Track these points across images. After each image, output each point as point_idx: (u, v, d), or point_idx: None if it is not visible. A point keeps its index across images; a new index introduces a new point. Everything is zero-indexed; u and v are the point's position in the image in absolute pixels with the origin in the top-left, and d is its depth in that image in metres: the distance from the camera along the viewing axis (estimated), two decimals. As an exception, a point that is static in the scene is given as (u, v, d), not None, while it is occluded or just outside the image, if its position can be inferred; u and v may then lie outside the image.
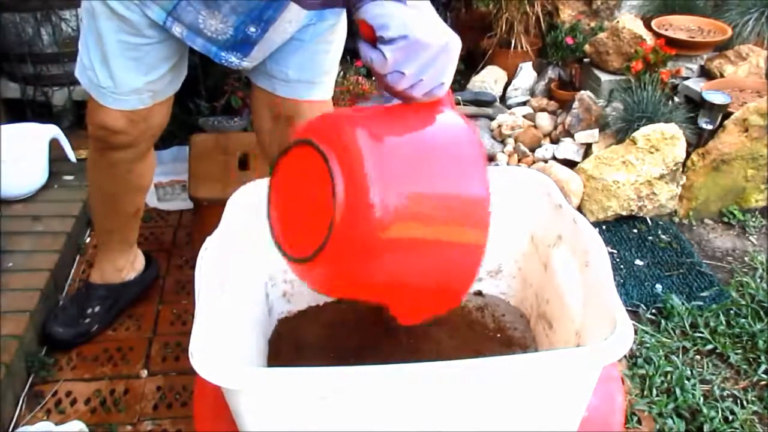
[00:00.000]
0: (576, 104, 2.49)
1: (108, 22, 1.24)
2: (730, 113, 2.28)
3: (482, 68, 2.99)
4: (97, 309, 1.68)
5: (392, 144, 0.79)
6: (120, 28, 1.24)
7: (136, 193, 1.59)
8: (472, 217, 0.80)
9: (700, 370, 1.70)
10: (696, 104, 2.38)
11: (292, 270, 0.84)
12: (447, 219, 0.79)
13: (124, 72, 1.29)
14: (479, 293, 1.26)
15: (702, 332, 1.79)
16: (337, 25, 1.36)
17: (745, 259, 2.13)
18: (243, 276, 1.05)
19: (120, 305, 1.74)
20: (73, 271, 1.90)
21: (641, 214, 2.26)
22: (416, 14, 0.82)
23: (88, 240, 2.02)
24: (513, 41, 2.94)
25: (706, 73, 2.57)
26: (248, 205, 1.12)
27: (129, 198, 1.58)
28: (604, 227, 2.24)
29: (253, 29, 1.24)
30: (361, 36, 0.83)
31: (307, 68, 1.38)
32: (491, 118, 2.73)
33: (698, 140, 2.32)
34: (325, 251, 0.76)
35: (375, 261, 0.76)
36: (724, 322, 1.82)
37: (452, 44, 0.83)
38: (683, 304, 1.87)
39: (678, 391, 1.61)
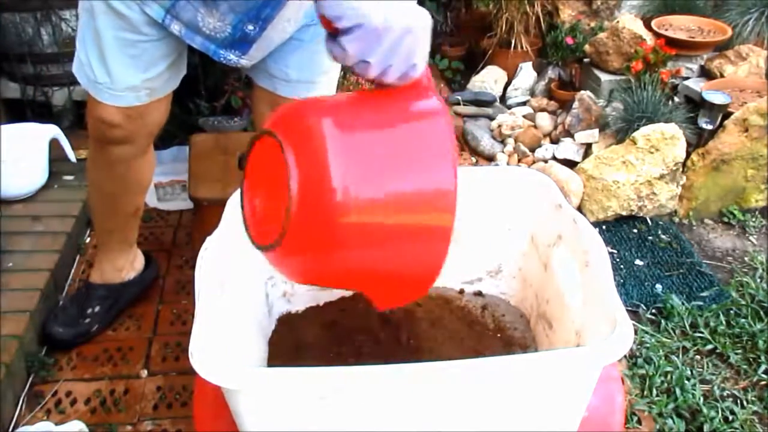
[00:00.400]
0: (576, 104, 2.49)
1: (106, 19, 1.24)
2: (730, 113, 2.28)
3: (482, 68, 2.99)
4: (97, 309, 1.68)
5: (356, 130, 0.77)
6: (118, 26, 1.24)
7: (136, 193, 1.59)
8: (438, 204, 0.78)
9: (700, 370, 1.70)
10: (696, 104, 2.38)
11: (267, 260, 0.84)
12: (411, 205, 0.77)
13: (121, 69, 1.29)
14: (479, 293, 1.26)
15: (702, 332, 1.79)
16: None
17: (745, 259, 2.13)
18: (243, 276, 1.05)
19: (120, 305, 1.74)
20: (73, 271, 1.90)
21: (641, 214, 2.26)
22: None
23: (88, 240, 2.02)
24: (513, 41, 2.94)
25: (706, 73, 2.57)
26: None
27: (128, 197, 1.58)
28: (604, 227, 2.24)
29: (251, 27, 1.24)
30: (326, 31, 0.81)
31: (307, 68, 1.38)
32: (491, 118, 2.73)
33: (698, 140, 2.32)
34: (287, 239, 0.75)
35: (337, 248, 0.75)
36: (724, 322, 1.82)
37: (417, 23, 0.78)
38: (683, 304, 1.87)
39: (678, 391, 1.61)
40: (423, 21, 0.80)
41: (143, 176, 1.56)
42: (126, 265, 1.72)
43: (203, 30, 1.24)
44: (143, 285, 1.79)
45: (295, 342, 1.15)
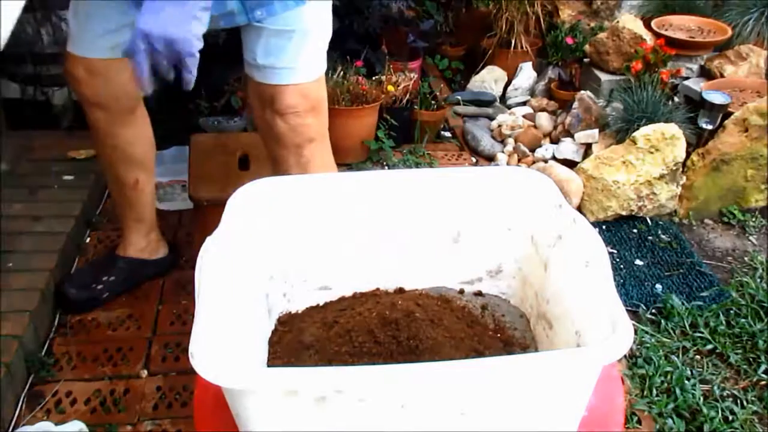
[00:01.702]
0: (576, 104, 2.49)
1: None
2: (730, 113, 2.28)
3: (482, 68, 2.99)
4: (112, 278, 1.77)
5: None
6: None
7: (130, 164, 1.66)
8: None
9: (700, 370, 1.70)
10: (696, 104, 2.38)
11: None
12: None
13: (87, 19, 1.40)
14: (479, 293, 1.26)
15: (702, 332, 1.79)
16: (296, 12, 1.35)
17: (745, 259, 2.13)
18: (243, 276, 1.05)
19: (134, 280, 1.81)
20: (73, 270, 1.90)
21: (641, 214, 2.26)
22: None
23: (88, 240, 2.02)
24: (513, 41, 2.94)
25: (706, 73, 2.57)
26: (248, 205, 1.12)
27: (123, 167, 1.65)
28: (604, 227, 2.24)
29: None
30: None
31: (273, 54, 1.40)
32: (491, 118, 2.73)
33: (698, 140, 2.32)
34: None
35: None
36: (724, 322, 1.82)
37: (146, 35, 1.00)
38: (683, 304, 1.87)
39: (678, 391, 1.61)
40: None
41: (132, 149, 1.63)
42: (147, 247, 1.81)
43: None
44: (161, 268, 1.86)
45: (295, 342, 1.15)
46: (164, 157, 2.21)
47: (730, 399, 1.62)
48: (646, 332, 1.79)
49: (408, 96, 2.55)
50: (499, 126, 2.63)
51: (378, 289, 1.24)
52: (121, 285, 1.79)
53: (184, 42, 1.03)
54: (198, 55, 1.06)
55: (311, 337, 1.14)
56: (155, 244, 1.84)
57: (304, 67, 1.44)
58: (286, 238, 1.18)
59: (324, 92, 1.51)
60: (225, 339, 0.89)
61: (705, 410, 1.56)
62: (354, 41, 2.68)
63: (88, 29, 1.41)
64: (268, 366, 1.10)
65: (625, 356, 1.67)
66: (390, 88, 2.50)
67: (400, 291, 1.24)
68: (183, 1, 1.02)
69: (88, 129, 1.60)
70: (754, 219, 2.31)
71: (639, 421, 1.54)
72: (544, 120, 2.63)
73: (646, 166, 2.20)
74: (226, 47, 1.98)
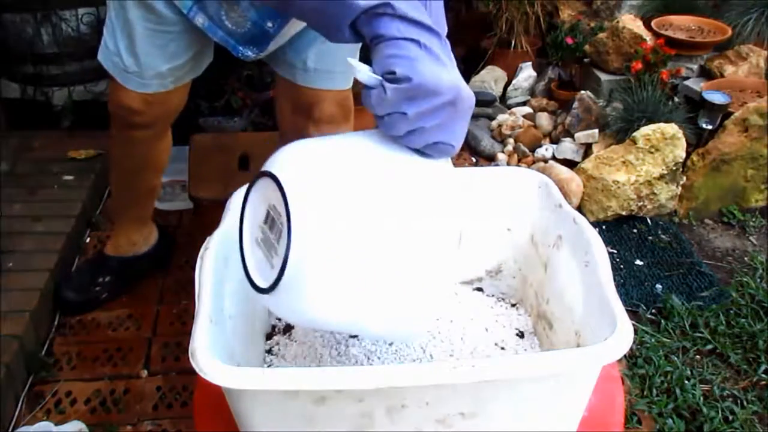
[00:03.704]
0: (576, 104, 2.49)
1: (136, 10, 1.30)
2: (730, 113, 2.28)
3: (482, 68, 2.99)
4: (107, 279, 1.78)
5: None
6: (147, 18, 1.30)
7: (153, 172, 1.68)
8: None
9: (700, 370, 1.70)
10: (696, 104, 2.38)
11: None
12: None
13: (150, 58, 1.35)
14: (479, 291, 1.27)
15: (702, 332, 1.79)
16: None
17: (745, 259, 2.13)
18: (243, 276, 1.05)
19: (130, 277, 1.81)
20: (72, 271, 1.90)
21: (641, 214, 2.26)
22: (430, 59, 0.76)
23: (88, 240, 2.02)
24: (513, 41, 2.94)
25: (706, 73, 2.57)
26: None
27: (145, 175, 1.67)
28: (604, 227, 2.24)
29: (270, 24, 1.26)
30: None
31: (326, 58, 1.40)
32: (491, 118, 2.73)
33: (698, 140, 2.32)
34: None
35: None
36: (724, 322, 1.82)
37: (461, 98, 0.77)
38: (683, 304, 1.87)
39: (678, 391, 1.61)
40: (468, 99, 0.78)
41: (160, 156, 1.65)
42: (140, 240, 1.80)
43: (225, 24, 1.27)
44: (155, 259, 1.85)
45: (295, 342, 1.15)
46: (164, 157, 2.21)
47: (730, 399, 1.62)
48: (646, 332, 1.79)
49: (408, 96, 2.54)
50: (499, 126, 2.63)
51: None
52: (118, 283, 1.79)
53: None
54: None
55: (311, 338, 1.14)
56: (147, 234, 1.83)
57: (348, 73, 1.41)
58: (286, 238, 1.18)
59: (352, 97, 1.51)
60: (225, 339, 0.89)
61: (705, 410, 1.56)
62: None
63: (149, 67, 1.36)
64: (268, 366, 1.10)
65: (625, 356, 1.67)
66: (390, 88, 2.49)
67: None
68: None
69: (113, 140, 1.59)
70: (754, 219, 2.31)
71: (639, 421, 1.54)
72: (544, 120, 2.63)
73: (646, 166, 2.20)
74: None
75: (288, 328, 1.17)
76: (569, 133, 2.48)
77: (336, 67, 1.41)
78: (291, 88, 1.46)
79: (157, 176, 1.71)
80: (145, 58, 1.35)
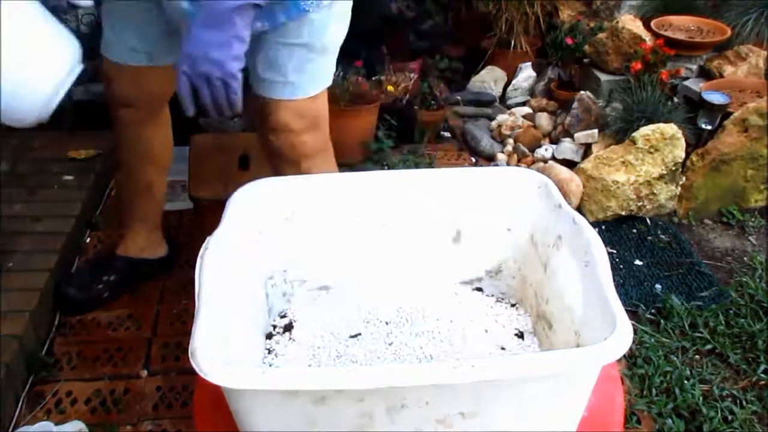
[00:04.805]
0: (575, 104, 2.49)
1: None
2: (730, 113, 2.28)
3: (482, 68, 2.99)
4: (112, 278, 1.77)
5: None
6: None
7: (150, 165, 1.68)
8: None
9: (700, 370, 1.70)
10: (695, 104, 2.38)
11: None
12: None
13: (123, 30, 1.43)
14: (479, 291, 1.27)
15: (701, 332, 1.79)
16: (302, 24, 1.32)
17: (745, 259, 2.13)
18: (242, 276, 1.05)
19: (134, 280, 1.81)
20: (73, 270, 1.90)
21: (641, 214, 2.26)
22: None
23: (88, 240, 2.02)
24: (513, 41, 2.94)
25: (705, 74, 2.57)
26: (249, 204, 1.12)
27: (140, 167, 1.67)
28: (603, 227, 2.24)
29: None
30: None
31: (273, 66, 1.37)
32: (491, 118, 2.73)
33: (698, 140, 2.32)
34: None
35: None
36: (723, 322, 1.82)
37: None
38: (683, 304, 1.87)
39: (677, 391, 1.61)
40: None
41: (152, 146, 1.66)
42: (147, 246, 1.81)
43: None
44: (161, 268, 1.86)
45: (294, 342, 1.15)
46: (164, 157, 2.21)
47: (730, 399, 1.62)
48: (646, 332, 1.79)
49: (408, 96, 2.55)
50: (499, 126, 2.63)
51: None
52: (121, 285, 1.79)
53: (224, 64, 1.06)
54: (240, 76, 1.08)
55: (311, 338, 1.14)
56: (156, 244, 1.84)
57: (304, 83, 1.40)
58: (286, 238, 1.18)
59: (324, 108, 1.47)
60: (225, 339, 0.89)
61: (704, 410, 1.56)
62: (354, 41, 2.67)
63: (122, 40, 1.44)
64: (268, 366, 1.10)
65: (624, 356, 1.67)
66: (390, 88, 2.50)
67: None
68: (225, 25, 1.04)
69: (111, 129, 1.63)
70: (753, 219, 2.31)
71: (639, 421, 1.54)
72: (544, 120, 2.63)
73: (646, 166, 2.20)
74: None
75: (288, 328, 1.17)
76: (569, 134, 2.49)
77: (285, 77, 1.37)
78: (253, 98, 1.44)
79: (157, 173, 1.71)
80: (119, 30, 1.43)
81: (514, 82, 2.90)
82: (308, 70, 1.39)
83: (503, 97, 2.92)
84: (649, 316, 1.86)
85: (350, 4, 1.39)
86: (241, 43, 1.07)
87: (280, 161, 1.48)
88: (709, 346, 1.76)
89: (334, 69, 1.45)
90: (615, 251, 2.13)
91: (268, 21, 1.29)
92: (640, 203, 2.24)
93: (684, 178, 2.28)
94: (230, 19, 1.04)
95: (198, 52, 1.05)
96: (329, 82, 1.45)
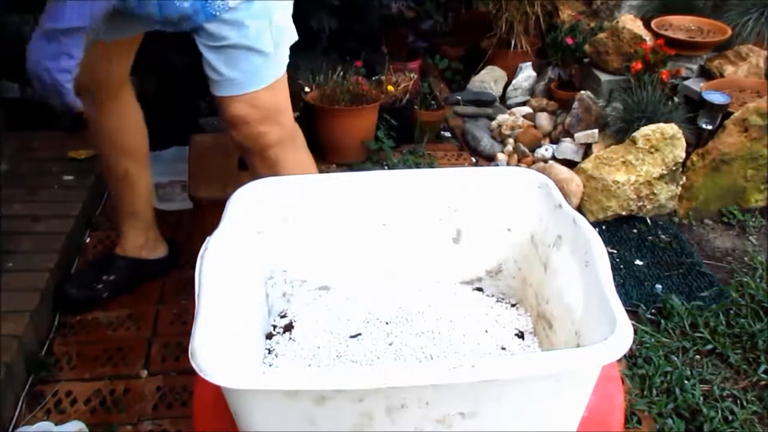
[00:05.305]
0: (576, 104, 2.49)
1: None
2: (730, 113, 2.28)
3: (482, 68, 2.99)
4: (112, 277, 1.78)
5: None
6: None
7: (119, 153, 1.67)
8: None
9: (700, 370, 1.70)
10: (696, 104, 2.38)
11: None
12: None
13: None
14: (479, 291, 1.27)
15: (702, 332, 1.79)
16: (220, 27, 1.32)
17: (745, 259, 2.13)
18: (242, 276, 1.05)
19: (134, 280, 1.82)
20: (73, 270, 1.90)
21: (641, 214, 2.26)
22: None
23: (88, 240, 2.02)
24: (513, 41, 2.95)
25: (705, 74, 2.57)
26: (249, 204, 1.12)
27: (113, 156, 1.68)
28: (603, 227, 2.24)
29: None
30: None
31: (210, 67, 1.38)
32: (491, 118, 2.73)
33: (698, 140, 2.32)
34: None
35: None
36: (723, 322, 1.82)
37: None
38: (683, 304, 1.87)
39: (678, 391, 1.61)
40: None
41: (119, 135, 1.65)
42: (145, 245, 1.81)
43: None
44: (160, 269, 1.86)
45: (294, 342, 1.15)
46: (164, 157, 2.21)
47: (730, 399, 1.62)
48: (646, 332, 1.79)
49: (408, 96, 2.55)
50: (499, 126, 2.63)
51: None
52: (121, 284, 1.79)
53: (52, 72, 1.20)
54: (68, 86, 1.20)
55: (311, 338, 1.14)
56: (153, 243, 1.84)
57: (243, 79, 1.39)
58: (286, 238, 1.18)
59: (281, 98, 1.46)
60: (225, 339, 0.89)
61: (705, 410, 1.56)
62: (354, 41, 2.68)
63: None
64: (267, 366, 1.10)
65: (625, 356, 1.67)
66: (390, 88, 2.50)
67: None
68: (55, 42, 1.18)
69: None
70: (753, 219, 2.31)
71: (639, 421, 1.54)
72: (544, 120, 2.63)
73: (646, 166, 2.20)
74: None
75: (288, 328, 1.17)
76: (569, 133, 2.49)
77: (222, 76, 1.38)
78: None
79: (131, 162, 1.68)
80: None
81: (514, 82, 2.90)
82: (243, 68, 1.39)
83: (503, 97, 2.92)
84: (649, 316, 1.86)
85: (277, 3, 1.38)
86: (69, 58, 1.19)
87: (248, 154, 1.50)
88: (709, 346, 1.76)
89: (280, 62, 1.42)
90: (615, 251, 2.12)
91: (186, 23, 1.31)
92: (641, 203, 2.24)
93: (684, 178, 2.28)
94: (58, 37, 1.17)
95: (34, 58, 1.21)
96: (277, 73, 1.43)
